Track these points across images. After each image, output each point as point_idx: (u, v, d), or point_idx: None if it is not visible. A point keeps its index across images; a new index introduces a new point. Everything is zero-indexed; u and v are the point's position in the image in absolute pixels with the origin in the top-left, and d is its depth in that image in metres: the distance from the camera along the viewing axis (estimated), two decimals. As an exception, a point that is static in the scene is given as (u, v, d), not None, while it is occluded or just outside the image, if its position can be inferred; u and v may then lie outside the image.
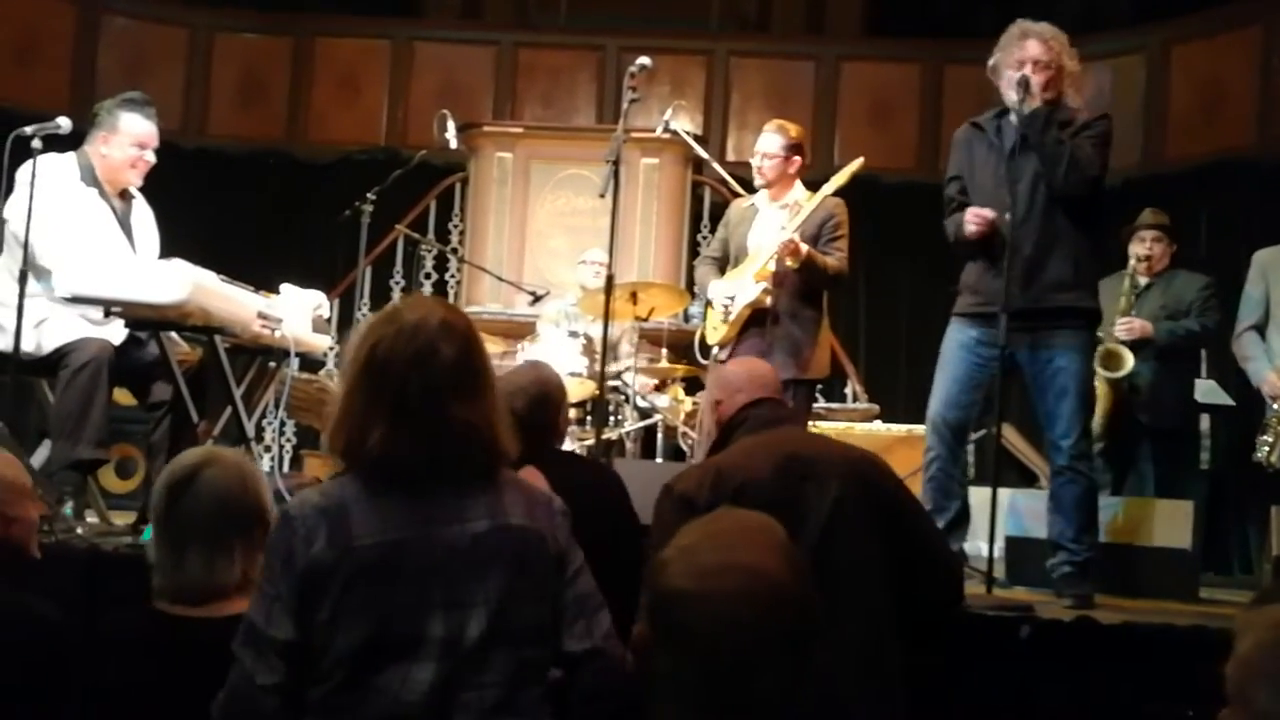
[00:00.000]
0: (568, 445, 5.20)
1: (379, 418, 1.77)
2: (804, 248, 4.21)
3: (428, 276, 7.27)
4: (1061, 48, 3.56)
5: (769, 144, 4.44)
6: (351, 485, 1.79)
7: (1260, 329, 4.48)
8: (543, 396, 2.87)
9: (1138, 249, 4.88)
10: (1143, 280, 4.86)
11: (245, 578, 2.00)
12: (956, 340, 3.63)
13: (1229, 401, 5.40)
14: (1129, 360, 4.62)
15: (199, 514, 2.03)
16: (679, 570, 1.38)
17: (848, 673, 2.14)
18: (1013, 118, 3.55)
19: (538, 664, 1.80)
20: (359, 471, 1.80)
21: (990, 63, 3.63)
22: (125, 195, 4.03)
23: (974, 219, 3.54)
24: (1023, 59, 3.53)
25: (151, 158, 3.98)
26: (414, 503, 1.77)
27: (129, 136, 3.92)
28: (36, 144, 3.66)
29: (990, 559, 3.34)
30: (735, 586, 1.34)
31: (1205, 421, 5.48)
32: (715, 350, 4.53)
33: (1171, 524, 3.96)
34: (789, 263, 4.23)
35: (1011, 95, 3.51)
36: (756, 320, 4.34)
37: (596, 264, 5.78)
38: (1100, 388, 4.67)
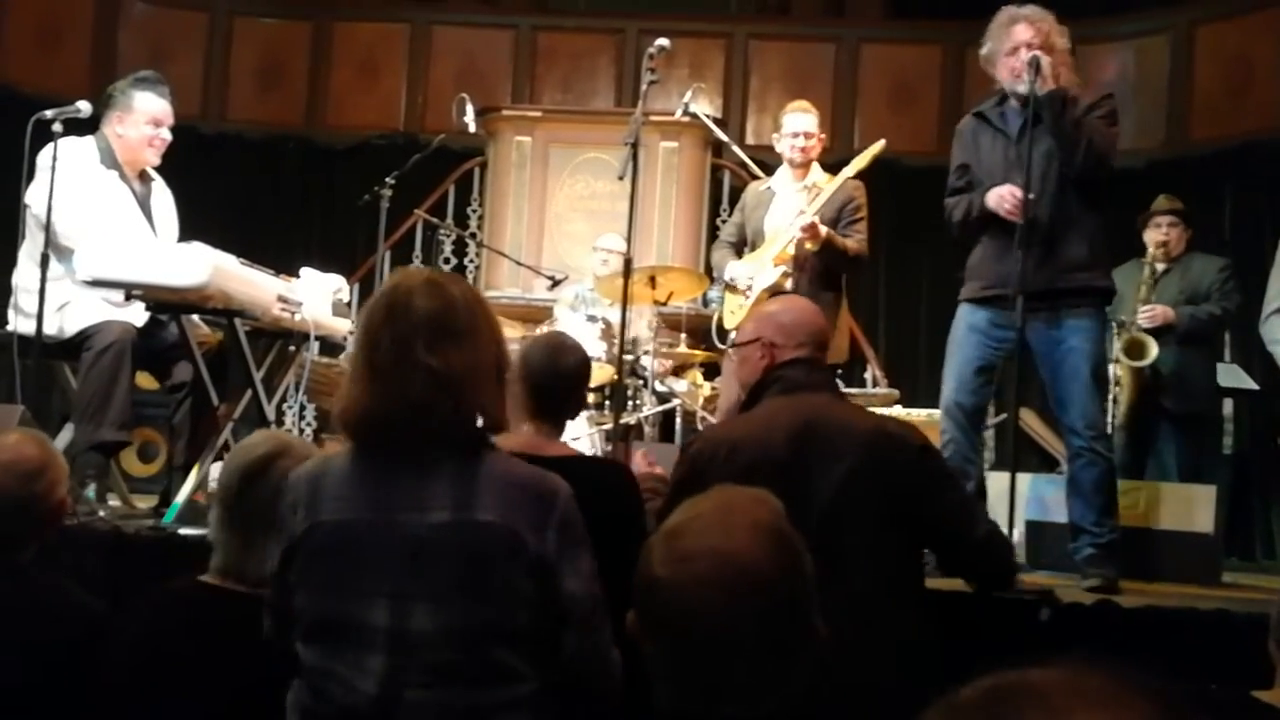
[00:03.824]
0: (582, 429, 5.20)
1: (360, 378, 1.78)
2: (823, 230, 4.20)
3: (446, 261, 7.26)
4: (1050, 28, 3.53)
5: (810, 123, 4.46)
6: (340, 457, 1.82)
7: (1288, 312, 4.43)
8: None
9: (1154, 235, 4.86)
10: (1160, 266, 4.83)
11: None
12: (966, 323, 3.60)
13: (1253, 385, 5.36)
14: (1153, 349, 4.60)
15: (270, 504, 2.00)
16: (659, 556, 1.39)
17: (849, 652, 2.14)
18: (1013, 102, 3.53)
19: (508, 667, 1.72)
20: (351, 440, 1.81)
21: (982, 52, 3.61)
22: (145, 178, 4.04)
23: (1008, 198, 3.44)
24: (1015, 44, 3.51)
25: (167, 135, 3.99)
26: (379, 483, 1.76)
27: (143, 115, 3.93)
28: (57, 128, 3.68)
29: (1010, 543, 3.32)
30: (705, 572, 1.34)
31: (1229, 406, 5.45)
32: (733, 335, 4.51)
33: (1193, 508, 3.93)
34: (808, 245, 4.22)
35: (1009, 79, 3.49)
36: (776, 304, 4.32)
37: (604, 251, 5.78)
38: (1124, 376, 4.65)
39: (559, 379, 2.57)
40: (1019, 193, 3.43)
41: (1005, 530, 3.36)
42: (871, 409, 5.79)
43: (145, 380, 4.18)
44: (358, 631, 1.70)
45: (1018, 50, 3.48)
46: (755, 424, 2.43)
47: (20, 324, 3.77)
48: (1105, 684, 0.79)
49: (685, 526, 1.41)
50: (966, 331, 3.59)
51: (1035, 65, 3.42)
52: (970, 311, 3.60)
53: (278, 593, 1.80)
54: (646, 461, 2.87)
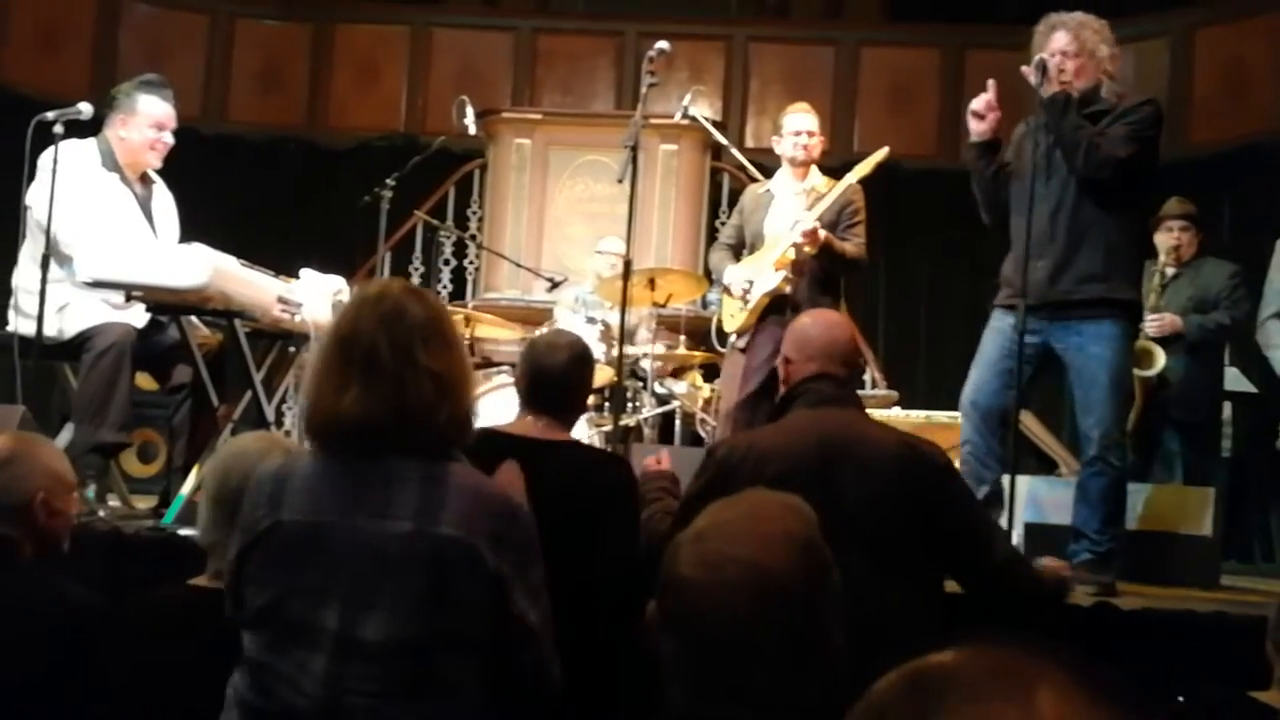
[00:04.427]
0: (582, 430, 5.21)
1: (352, 381, 1.77)
2: (822, 234, 4.20)
3: (446, 263, 7.27)
4: (1092, 34, 3.53)
5: (811, 122, 4.47)
6: (306, 457, 1.84)
7: (1285, 316, 4.42)
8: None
9: (1165, 239, 4.84)
10: (1170, 271, 4.82)
11: None
12: (993, 327, 3.64)
13: (1252, 389, 5.37)
14: (1160, 358, 4.59)
15: None
16: (687, 557, 1.39)
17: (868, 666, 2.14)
18: None
19: (454, 677, 1.74)
20: (324, 442, 1.81)
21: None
22: (146, 180, 4.05)
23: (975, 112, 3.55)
24: (1051, 52, 3.51)
25: (170, 139, 4.00)
26: (345, 486, 1.77)
27: (147, 118, 3.94)
28: (58, 130, 3.69)
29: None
30: (733, 579, 1.35)
31: (1227, 409, 5.45)
32: (733, 338, 4.52)
33: (1192, 511, 3.94)
34: (807, 249, 4.22)
35: (1034, 80, 3.50)
36: (775, 308, 4.32)
37: (611, 254, 5.78)
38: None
39: (552, 373, 2.61)
40: (987, 96, 3.54)
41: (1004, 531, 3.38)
42: (869, 411, 5.83)
43: (145, 381, 4.19)
44: (304, 632, 1.71)
45: (1054, 57, 3.49)
46: (782, 435, 2.47)
47: (20, 325, 3.78)
48: (1026, 665, 0.77)
49: (715, 530, 1.41)
50: (991, 335, 3.63)
51: (1042, 67, 3.42)
52: (998, 316, 3.64)
53: (234, 579, 1.82)
54: (658, 461, 2.88)
